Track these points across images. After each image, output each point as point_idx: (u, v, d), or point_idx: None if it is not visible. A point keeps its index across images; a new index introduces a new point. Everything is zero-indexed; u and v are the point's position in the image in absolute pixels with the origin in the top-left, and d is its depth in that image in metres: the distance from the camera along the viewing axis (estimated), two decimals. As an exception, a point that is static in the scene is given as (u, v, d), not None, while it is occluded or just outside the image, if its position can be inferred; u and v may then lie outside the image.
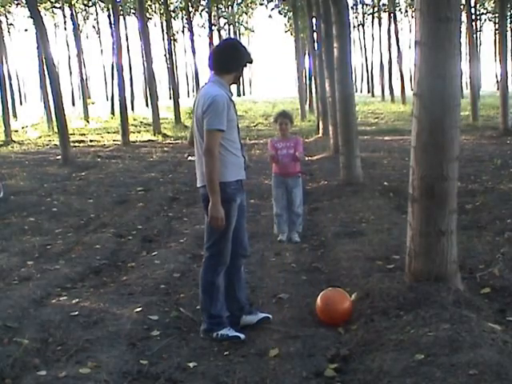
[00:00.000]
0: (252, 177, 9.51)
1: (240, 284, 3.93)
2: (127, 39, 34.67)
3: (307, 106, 27.58)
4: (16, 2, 28.77)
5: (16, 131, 20.80)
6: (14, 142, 18.14)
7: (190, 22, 28.56)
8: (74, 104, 42.88)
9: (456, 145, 3.86)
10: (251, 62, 3.76)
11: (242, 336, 3.71)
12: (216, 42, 35.47)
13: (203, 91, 3.62)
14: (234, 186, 3.64)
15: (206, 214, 3.74)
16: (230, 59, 3.63)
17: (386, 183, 8.72)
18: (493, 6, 34.14)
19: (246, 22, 49.10)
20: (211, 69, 3.68)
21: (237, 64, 3.64)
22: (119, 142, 17.04)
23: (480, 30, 42.43)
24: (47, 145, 17.58)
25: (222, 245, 3.69)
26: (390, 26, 34.97)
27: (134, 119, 24.84)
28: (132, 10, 32.40)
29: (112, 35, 21.08)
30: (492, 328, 3.39)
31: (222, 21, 41.21)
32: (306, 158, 10.08)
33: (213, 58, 3.67)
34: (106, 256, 5.76)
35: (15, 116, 28.30)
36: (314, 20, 18.44)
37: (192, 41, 27.58)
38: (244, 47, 3.74)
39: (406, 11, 42.58)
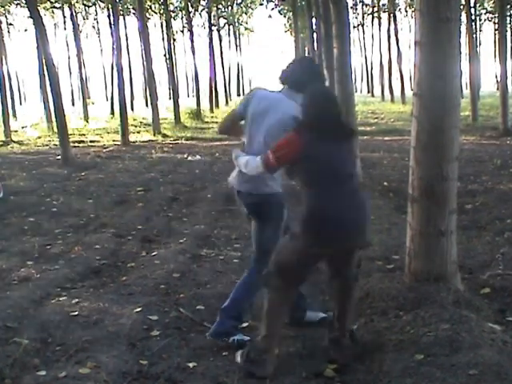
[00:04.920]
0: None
1: None
2: (127, 39, 34.67)
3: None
4: (16, 2, 28.74)
5: (16, 131, 20.78)
6: (14, 142, 18.12)
7: (189, 22, 28.58)
8: (73, 104, 42.83)
9: (456, 145, 3.87)
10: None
11: (249, 338, 3.63)
12: (216, 42, 35.55)
13: (285, 102, 3.49)
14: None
15: (257, 220, 3.68)
16: (302, 75, 3.53)
17: (385, 183, 8.73)
18: (492, 5, 34.13)
19: (246, 23, 49.05)
20: (282, 82, 3.61)
21: (307, 82, 3.48)
22: (119, 142, 17.03)
23: (480, 30, 42.42)
24: (47, 145, 17.56)
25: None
26: (389, 26, 34.97)
27: (134, 119, 24.80)
28: (132, 10, 32.38)
29: (112, 35, 21.06)
30: (492, 328, 3.39)
31: (222, 21, 41.19)
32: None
33: (287, 73, 3.60)
34: (106, 256, 5.76)
35: (15, 116, 28.27)
36: (313, 20, 18.45)
37: (192, 41, 27.58)
38: (318, 67, 3.78)
39: (406, 11, 42.56)
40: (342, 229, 3.15)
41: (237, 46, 56.02)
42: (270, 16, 37.42)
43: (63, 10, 35.43)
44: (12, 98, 32.26)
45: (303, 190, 3.24)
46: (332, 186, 3.16)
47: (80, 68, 31.87)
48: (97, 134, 20.41)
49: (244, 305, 3.70)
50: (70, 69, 43.95)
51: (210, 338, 3.65)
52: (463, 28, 24.80)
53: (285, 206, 3.67)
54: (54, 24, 45.92)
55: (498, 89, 24.36)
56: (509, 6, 21.91)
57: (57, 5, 30.78)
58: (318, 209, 3.15)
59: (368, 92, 49.26)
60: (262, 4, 31.94)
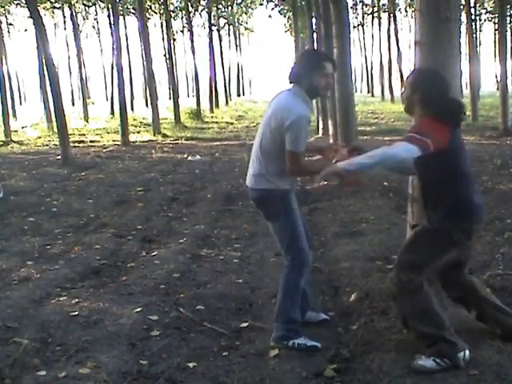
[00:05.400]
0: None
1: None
2: (127, 39, 34.66)
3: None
4: (16, 2, 28.72)
5: (16, 131, 20.77)
6: (14, 142, 18.10)
7: (189, 22, 28.57)
8: (73, 104, 42.80)
9: (456, 145, 3.85)
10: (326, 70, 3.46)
11: (319, 345, 3.54)
12: (216, 42, 35.58)
13: (284, 102, 3.46)
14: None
15: (266, 217, 3.67)
16: (298, 68, 3.50)
17: (385, 183, 8.72)
18: (492, 5, 34.11)
19: (246, 23, 49.06)
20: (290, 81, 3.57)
21: (305, 73, 3.45)
22: (119, 142, 17.02)
23: (480, 30, 42.40)
24: (47, 145, 17.55)
25: (297, 243, 3.59)
26: (389, 26, 34.98)
27: (134, 119, 24.77)
28: (132, 10, 32.37)
29: (112, 35, 21.05)
30: (492, 328, 3.39)
31: (222, 21, 41.19)
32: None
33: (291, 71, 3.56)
34: (106, 256, 5.76)
35: (15, 116, 28.26)
36: (313, 20, 18.44)
37: (192, 41, 27.57)
38: (318, 55, 3.63)
39: (406, 11, 42.56)
40: (483, 217, 3.20)
41: (237, 46, 56.06)
42: (270, 16, 37.46)
43: (63, 10, 35.41)
44: (12, 98, 32.25)
45: (440, 182, 3.10)
46: (468, 175, 3.17)
47: (80, 68, 31.85)
48: (97, 134, 20.40)
49: (288, 306, 3.57)
50: (70, 69, 43.94)
51: (273, 343, 3.58)
52: (463, 28, 24.79)
53: (291, 201, 3.61)
54: (54, 24, 45.93)
55: (498, 89, 24.35)
56: (509, 6, 21.89)
57: (57, 5, 30.76)
58: (467, 200, 3.11)
59: (368, 92, 49.24)
60: (261, 4, 31.87)
